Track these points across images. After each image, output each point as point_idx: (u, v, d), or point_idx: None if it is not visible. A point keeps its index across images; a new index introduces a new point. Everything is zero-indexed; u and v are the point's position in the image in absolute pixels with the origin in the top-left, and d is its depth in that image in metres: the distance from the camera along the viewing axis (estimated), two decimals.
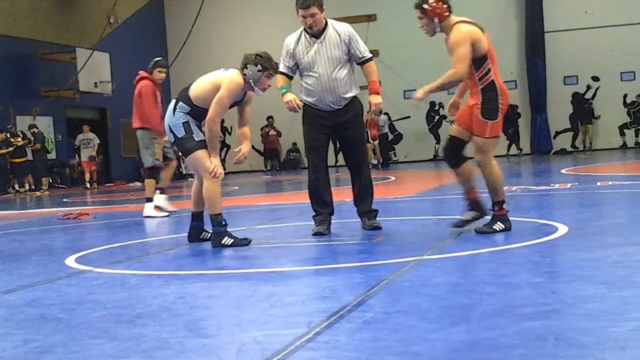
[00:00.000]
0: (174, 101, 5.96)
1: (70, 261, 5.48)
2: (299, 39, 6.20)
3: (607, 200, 8.17)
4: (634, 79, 25.04)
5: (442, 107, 25.65)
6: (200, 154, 5.81)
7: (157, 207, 9.39)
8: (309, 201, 6.47)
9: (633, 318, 2.86)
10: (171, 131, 5.91)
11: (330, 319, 3.12)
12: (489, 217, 5.62)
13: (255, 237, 6.00)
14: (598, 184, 10.17)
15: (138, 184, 22.68)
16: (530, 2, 25.35)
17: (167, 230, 7.78)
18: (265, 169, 26.98)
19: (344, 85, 6.14)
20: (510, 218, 5.62)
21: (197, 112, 5.85)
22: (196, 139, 5.83)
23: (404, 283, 3.94)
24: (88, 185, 22.39)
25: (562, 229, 5.49)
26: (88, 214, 9.96)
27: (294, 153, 27.75)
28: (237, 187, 16.66)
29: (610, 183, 9.94)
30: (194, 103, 5.83)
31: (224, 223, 5.78)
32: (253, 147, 27.95)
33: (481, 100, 5.39)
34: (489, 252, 4.74)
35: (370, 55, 6.26)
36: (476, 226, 5.54)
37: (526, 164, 18.93)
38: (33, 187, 20.73)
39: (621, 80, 25.10)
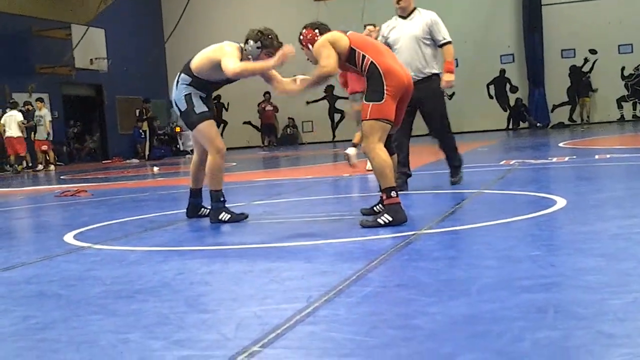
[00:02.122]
0: (177, 75, 5.92)
1: (69, 238, 5.48)
2: (392, 23, 7.36)
3: (605, 174, 8.17)
4: (632, 52, 24.97)
5: None
6: (203, 126, 5.76)
7: None
8: None
9: (632, 290, 2.87)
10: (176, 105, 5.86)
11: (329, 293, 3.13)
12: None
13: (253, 213, 6.00)
14: (596, 157, 10.16)
15: (135, 160, 22.66)
16: None
17: (165, 206, 7.78)
18: (262, 145, 26.95)
19: (422, 61, 7.17)
20: (506, 192, 5.59)
21: (199, 83, 5.78)
22: (197, 111, 5.76)
23: (403, 257, 3.94)
24: (41, 166, 20.25)
25: (561, 202, 5.49)
26: (86, 191, 9.95)
27: (291, 128, 27.72)
28: (234, 163, 16.64)
29: (608, 156, 9.94)
30: (195, 74, 5.78)
31: (222, 199, 5.76)
32: (250, 123, 27.97)
33: (366, 86, 5.16)
34: (488, 226, 4.74)
35: (449, 40, 7.25)
36: (362, 220, 5.10)
37: (524, 138, 18.92)
38: (30, 164, 20.68)
39: (619, 53, 25.03)
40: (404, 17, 7.32)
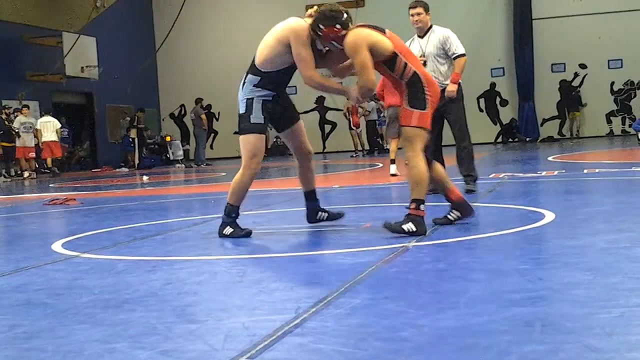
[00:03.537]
0: (243, 76, 5.45)
1: (57, 246, 5.46)
2: (412, 39, 7.68)
3: (593, 188, 8.20)
4: (621, 67, 25.10)
5: None
6: (251, 138, 5.35)
7: None
8: None
9: (620, 304, 2.87)
10: (238, 106, 5.46)
11: (318, 304, 3.12)
12: (472, 218, 5.31)
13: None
14: (585, 171, 10.20)
15: (124, 169, 22.61)
16: None
17: (154, 216, 7.76)
18: None
19: (438, 77, 7.44)
20: (495, 205, 5.61)
21: (270, 79, 5.31)
22: (252, 120, 5.33)
23: (391, 269, 3.94)
24: (26, 174, 19.83)
25: (549, 216, 5.50)
26: (75, 200, 9.92)
27: (281, 139, 27.69)
28: (224, 174, 16.62)
29: (597, 170, 9.98)
30: (262, 70, 5.29)
31: (234, 215, 5.45)
32: None
33: (407, 92, 5.09)
34: (477, 239, 4.75)
35: (461, 52, 7.57)
36: (385, 221, 5.07)
37: (513, 152, 18.97)
38: (19, 172, 20.59)
39: (608, 68, 25.15)
40: (421, 37, 7.64)
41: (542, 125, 25.75)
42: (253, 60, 5.36)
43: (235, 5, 27.40)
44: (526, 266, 3.84)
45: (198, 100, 22.91)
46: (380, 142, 23.47)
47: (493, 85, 25.89)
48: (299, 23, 5.22)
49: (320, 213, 5.75)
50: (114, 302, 3.46)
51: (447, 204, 5.39)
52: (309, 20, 5.20)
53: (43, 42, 22.80)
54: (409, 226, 4.91)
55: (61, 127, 20.75)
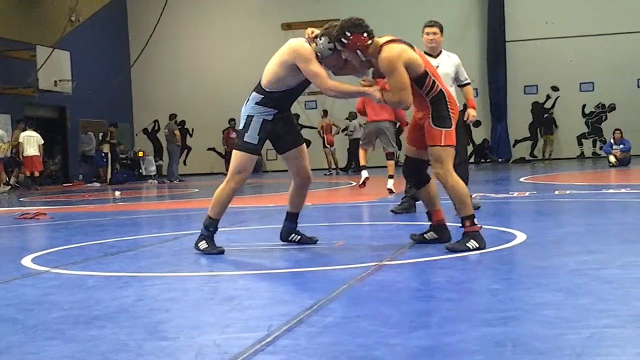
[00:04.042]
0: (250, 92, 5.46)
1: (27, 261, 5.40)
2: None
3: (564, 209, 8.28)
4: (593, 90, 25.40)
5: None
6: (241, 155, 5.39)
7: None
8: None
9: (590, 325, 2.90)
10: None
11: (290, 322, 3.12)
12: (449, 243, 5.26)
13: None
14: (556, 192, 10.29)
15: (96, 184, 22.44)
16: (492, 11, 25.62)
17: (126, 231, 7.71)
18: (226, 172, 26.87)
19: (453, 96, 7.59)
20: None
21: (272, 99, 5.29)
22: (245, 138, 5.35)
23: (364, 288, 3.95)
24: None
25: (521, 237, 5.54)
26: (45, 214, 9.83)
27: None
28: (197, 190, 16.56)
29: (567, 192, 10.08)
30: (267, 89, 5.28)
31: (212, 229, 5.44)
32: (214, 149, 27.90)
33: (431, 111, 5.14)
34: (449, 259, 4.77)
35: (470, 81, 7.92)
36: (447, 245, 5.13)
37: (485, 172, 19.10)
38: None
39: (580, 90, 25.44)
40: (433, 56, 7.55)
41: (514, 146, 25.96)
42: (259, 80, 5.37)
43: (211, 22, 27.41)
44: (498, 286, 3.87)
45: (172, 116, 22.83)
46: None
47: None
48: (301, 43, 5.22)
49: (294, 235, 5.74)
50: (84, 318, 3.43)
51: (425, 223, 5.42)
52: (302, 41, 5.23)
53: (16, 55, 22.62)
54: (472, 244, 4.98)
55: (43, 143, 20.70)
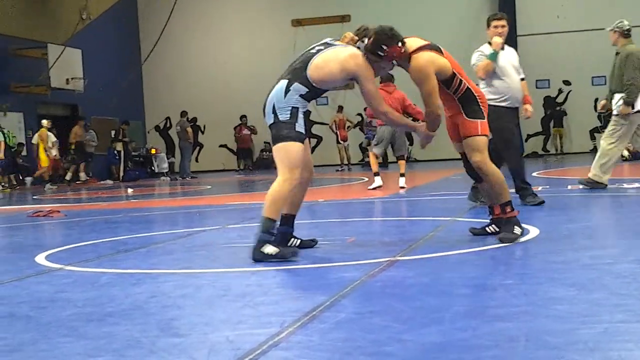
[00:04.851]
0: (284, 82, 5.07)
1: (41, 259, 5.43)
2: (485, 47, 7.77)
3: (577, 204, 8.24)
4: (605, 84, 25.18)
5: None
6: (295, 147, 4.98)
7: None
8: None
9: (603, 320, 2.89)
10: (273, 112, 5.04)
11: (303, 319, 3.12)
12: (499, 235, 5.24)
13: (228, 237, 5.98)
14: (569, 187, 10.25)
15: (109, 182, 22.52)
16: (503, 5, 25.50)
17: (139, 229, 7.73)
18: (238, 168, 26.90)
19: (519, 92, 7.80)
20: (480, 220, 5.63)
21: (315, 94, 5.13)
22: (298, 128, 5.01)
23: (376, 284, 3.95)
24: None
25: (534, 232, 5.53)
26: (59, 212, 9.87)
27: (267, 153, 27.69)
28: (209, 187, 16.59)
29: (580, 187, 10.02)
30: (315, 85, 5.05)
31: (272, 231, 4.92)
32: (226, 146, 27.93)
33: (462, 107, 5.26)
34: (461, 254, 4.76)
35: (525, 76, 8.00)
36: (499, 236, 5.17)
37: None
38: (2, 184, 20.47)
39: (592, 84, 25.33)
40: (501, 48, 7.67)
41: (526, 141, 25.87)
42: (301, 70, 5.07)
43: (221, 19, 27.43)
44: (510, 281, 3.86)
45: (184, 113, 22.88)
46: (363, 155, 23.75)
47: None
48: (364, 59, 5.08)
49: (293, 239, 5.33)
50: (97, 315, 3.45)
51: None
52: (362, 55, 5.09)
53: (28, 54, 22.71)
54: (517, 229, 5.15)
55: (55, 141, 20.89)
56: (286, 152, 4.97)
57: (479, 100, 5.30)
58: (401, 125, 5.49)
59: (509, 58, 7.74)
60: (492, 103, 7.41)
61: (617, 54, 9.65)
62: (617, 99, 9.26)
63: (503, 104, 7.61)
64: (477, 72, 7.67)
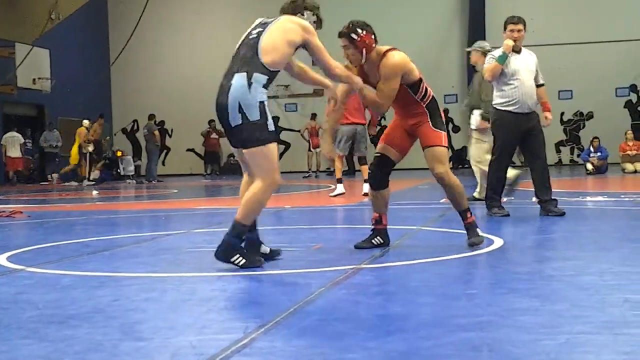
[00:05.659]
0: (241, 75, 4.70)
1: (2, 260, 5.35)
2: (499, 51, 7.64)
3: (541, 216, 8.31)
4: (571, 98, 25.59)
5: (384, 118, 25.84)
6: (272, 147, 4.69)
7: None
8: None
9: (565, 331, 2.92)
10: (240, 111, 4.65)
11: (267, 325, 3.11)
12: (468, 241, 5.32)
13: (193, 241, 5.95)
14: (533, 199, 10.33)
15: (74, 183, 22.29)
16: (472, 16, 25.74)
17: (103, 231, 7.66)
18: (205, 173, 26.79)
19: (535, 95, 7.66)
20: (445, 230, 5.66)
21: (272, 80, 4.78)
22: (270, 128, 4.69)
23: (341, 291, 3.95)
24: None
25: (498, 242, 5.57)
26: (22, 212, 9.75)
27: (235, 158, 27.58)
28: (175, 191, 16.50)
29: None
30: (271, 69, 4.74)
31: (243, 238, 4.76)
32: (194, 150, 27.80)
33: (429, 115, 5.29)
34: (426, 263, 4.78)
35: (544, 82, 7.92)
36: (469, 242, 5.27)
37: (463, 177, 19.17)
38: None
39: (559, 98, 25.60)
40: (516, 52, 7.64)
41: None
42: (253, 58, 4.73)
43: (191, 22, 27.33)
44: (474, 291, 3.88)
45: (151, 116, 22.72)
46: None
47: (446, 111, 26.15)
48: (300, 18, 4.96)
49: (262, 245, 5.05)
50: (58, 318, 3.41)
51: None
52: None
53: None
54: (479, 231, 5.36)
55: (24, 141, 21.45)
56: (263, 156, 4.67)
57: (440, 112, 5.39)
58: (343, 78, 5.03)
59: (525, 62, 7.65)
60: (498, 107, 7.60)
61: (476, 71, 9.79)
62: (476, 115, 9.45)
63: (510, 108, 7.57)
64: (484, 74, 7.76)
